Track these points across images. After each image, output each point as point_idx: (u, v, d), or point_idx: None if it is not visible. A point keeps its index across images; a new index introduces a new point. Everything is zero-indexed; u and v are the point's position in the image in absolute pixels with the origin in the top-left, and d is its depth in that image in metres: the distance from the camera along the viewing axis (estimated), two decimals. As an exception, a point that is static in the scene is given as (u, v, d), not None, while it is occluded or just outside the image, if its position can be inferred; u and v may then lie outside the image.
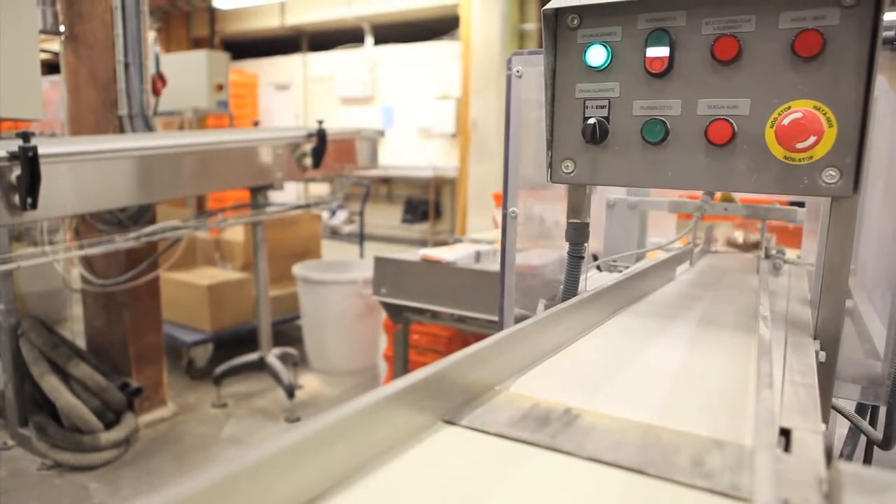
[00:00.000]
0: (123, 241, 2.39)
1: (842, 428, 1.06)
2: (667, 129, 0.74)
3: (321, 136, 2.93)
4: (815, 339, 0.77)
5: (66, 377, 2.52)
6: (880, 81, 0.95)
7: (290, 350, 3.31)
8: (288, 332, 4.10)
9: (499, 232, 1.20)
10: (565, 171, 0.82)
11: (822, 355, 0.74)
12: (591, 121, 0.77)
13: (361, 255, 4.63)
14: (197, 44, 8.99)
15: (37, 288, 3.64)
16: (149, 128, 2.76)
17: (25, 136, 1.80)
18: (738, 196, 1.32)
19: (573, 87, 0.79)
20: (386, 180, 8.58)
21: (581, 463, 0.44)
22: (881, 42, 0.63)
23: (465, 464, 0.44)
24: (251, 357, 3.11)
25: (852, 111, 0.65)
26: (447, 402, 0.50)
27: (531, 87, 1.11)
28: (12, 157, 1.80)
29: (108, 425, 2.57)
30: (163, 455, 2.65)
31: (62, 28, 2.59)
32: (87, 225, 2.62)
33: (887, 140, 1.15)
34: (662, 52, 0.72)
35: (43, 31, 2.48)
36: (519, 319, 1.18)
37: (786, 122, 0.67)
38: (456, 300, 2.11)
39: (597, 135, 0.77)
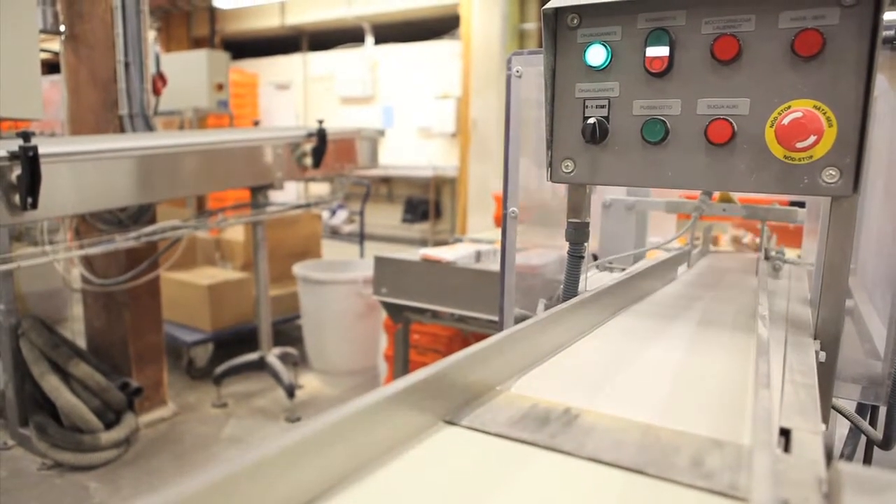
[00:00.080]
0: (124, 241, 2.39)
1: (842, 428, 1.06)
2: (667, 129, 0.74)
3: (321, 135, 2.93)
4: (815, 338, 0.76)
5: (66, 377, 2.53)
6: (880, 81, 0.95)
7: (291, 350, 3.31)
8: (288, 332, 4.10)
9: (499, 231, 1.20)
10: (565, 170, 0.82)
11: (823, 355, 0.74)
12: (591, 120, 0.77)
13: (362, 255, 4.63)
14: (197, 43, 8.99)
15: (37, 288, 3.64)
16: (149, 127, 2.76)
17: (26, 136, 1.80)
18: (737, 196, 1.32)
19: (573, 87, 0.79)
20: (386, 180, 8.58)
21: (581, 463, 0.44)
22: (881, 41, 0.63)
23: (465, 464, 0.44)
24: (251, 357, 3.11)
25: (852, 111, 0.65)
26: (448, 403, 0.50)
27: (531, 86, 1.11)
28: (12, 156, 1.80)
29: (109, 425, 2.57)
30: (163, 455, 2.65)
31: (62, 28, 2.59)
32: (88, 225, 2.62)
33: (887, 139, 1.15)
34: (662, 51, 0.72)
35: (43, 31, 2.48)
36: (519, 319, 1.18)
37: (786, 121, 0.67)
38: (456, 300, 2.11)
39: (596, 134, 0.77)
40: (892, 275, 0.92)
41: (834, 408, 0.89)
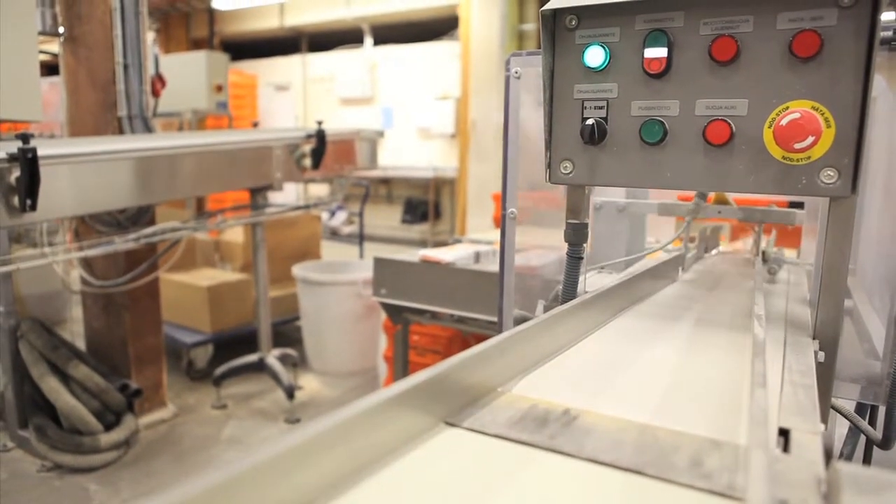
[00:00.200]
0: (123, 243, 2.39)
1: (841, 428, 1.07)
2: (665, 130, 0.74)
3: (320, 136, 2.93)
4: (814, 339, 0.77)
5: (65, 379, 2.52)
6: (878, 81, 0.95)
7: (290, 351, 3.31)
8: (288, 333, 4.10)
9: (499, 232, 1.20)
10: (564, 171, 0.82)
11: (822, 355, 0.75)
12: (590, 121, 0.77)
13: (361, 256, 4.63)
14: (196, 45, 9.00)
15: (36, 290, 3.65)
16: (148, 129, 2.76)
17: (25, 138, 1.80)
18: (732, 197, 1.32)
19: (571, 88, 0.79)
20: (385, 181, 8.58)
21: (580, 464, 0.44)
22: (879, 42, 0.63)
23: (465, 465, 0.44)
24: (251, 358, 3.11)
25: (850, 111, 0.65)
26: (449, 404, 0.51)
27: (530, 87, 1.11)
28: (12, 158, 1.80)
29: (108, 427, 2.57)
30: (163, 456, 2.65)
31: (61, 29, 2.59)
32: (87, 226, 2.62)
33: (886, 140, 1.15)
34: (660, 52, 0.72)
35: (42, 33, 2.48)
36: (518, 320, 1.18)
37: (784, 122, 0.67)
38: (455, 301, 2.12)
39: (595, 135, 0.77)
40: (891, 275, 0.93)
41: (833, 408, 0.89)
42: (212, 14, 8.78)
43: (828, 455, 0.45)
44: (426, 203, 8.24)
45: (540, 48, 0.81)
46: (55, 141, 2.63)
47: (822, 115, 0.66)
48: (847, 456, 1.04)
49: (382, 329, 3.33)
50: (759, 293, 0.84)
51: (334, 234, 7.53)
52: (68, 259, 2.51)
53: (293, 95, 9.07)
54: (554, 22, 0.79)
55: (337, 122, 8.11)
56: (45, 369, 2.49)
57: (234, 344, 3.55)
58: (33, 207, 1.84)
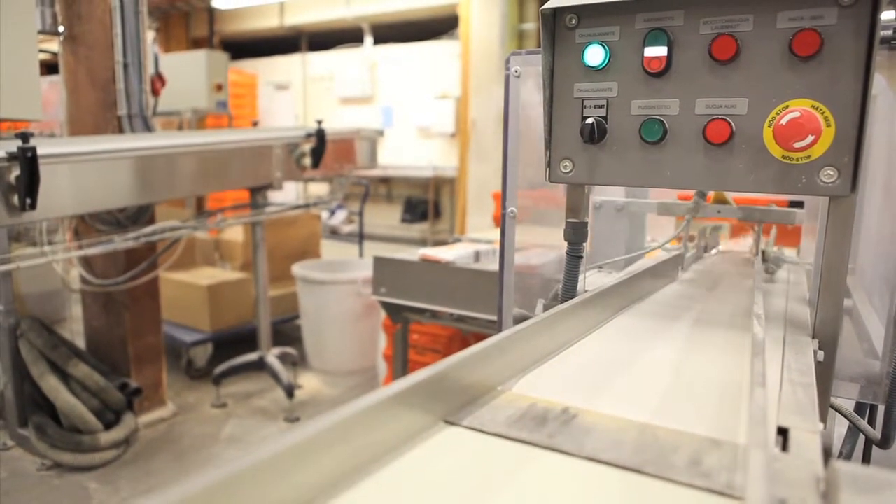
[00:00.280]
0: (122, 242, 2.39)
1: (841, 427, 1.07)
2: (665, 129, 0.74)
3: (320, 135, 2.93)
4: (813, 338, 0.77)
5: (65, 377, 2.53)
6: (878, 80, 0.95)
7: (290, 350, 3.31)
8: (287, 332, 4.11)
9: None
10: (564, 170, 0.82)
11: (821, 354, 0.75)
12: (590, 120, 0.77)
13: (361, 255, 4.63)
14: (196, 44, 8.99)
15: (36, 288, 3.65)
16: (148, 128, 2.76)
17: (24, 137, 1.80)
18: (732, 197, 1.32)
19: (571, 87, 0.79)
20: (385, 180, 8.58)
21: (579, 462, 0.44)
22: (879, 41, 0.63)
23: (464, 464, 0.44)
24: (251, 357, 3.11)
25: (850, 110, 0.65)
26: (449, 403, 0.51)
27: (530, 86, 1.11)
28: (11, 157, 1.80)
29: (108, 425, 2.57)
30: (162, 455, 2.65)
31: (61, 28, 2.59)
32: (87, 225, 2.62)
33: (886, 139, 1.15)
34: (660, 51, 0.72)
35: (42, 32, 2.48)
36: (518, 319, 1.18)
37: (784, 121, 0.67)
38: (455, 300, 2.12)
39: (595, 134, 0.77)
40: (891, 274, 0.93)
41: (832, 407, 0.89)
42: (212, 13, 8.77)
43: (827, 454, 0.45)
44: (426, 202, 8.24)
45: (540, 47, 0.81)
46: (55, 140, 2.63)
47: (822, 114, 0.66)
48: (846, 455, 1.04)
49: (382, 328, 3.33)
50: (759, 292, 0.84)
51: (334, 233, 7.53)
52: (68, 258, 2.51)
53: (293, 94, 9.07)
54: (554, 21, 0.79)
55: (337, 122, 8.12)
56: (44, 368, 2.49)
57: (233, 343, 3.55)
58: (33, 206, 1.84)
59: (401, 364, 2.54)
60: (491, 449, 0.46)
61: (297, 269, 3.58)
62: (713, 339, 0.77)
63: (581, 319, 0.77)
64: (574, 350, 0.72)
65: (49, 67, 3.06)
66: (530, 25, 6.77)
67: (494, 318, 1.30)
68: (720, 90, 0.71)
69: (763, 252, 1.33)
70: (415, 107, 7.99)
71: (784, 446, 0.46)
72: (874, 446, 0.95)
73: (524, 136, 1.14)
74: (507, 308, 1.20)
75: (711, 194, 1.23)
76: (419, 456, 0.44)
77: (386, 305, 2.33)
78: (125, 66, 2.65)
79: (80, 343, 2.90)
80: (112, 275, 2.74)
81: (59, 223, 2.67)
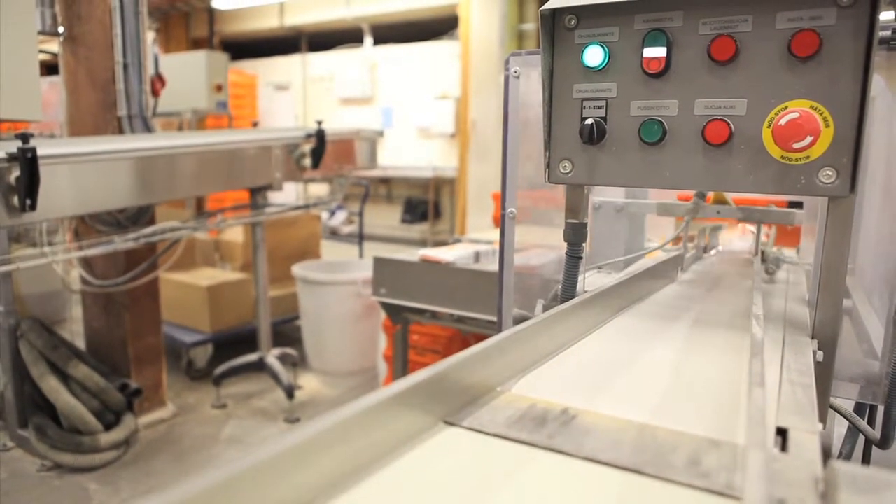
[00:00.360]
0: (123, 242, 2.39)
1: (841, 427, 1.07)
2: (664, 130, 0.74)
3: (320, 136, 2.93)
4: (812, 338, 0.77)
5: (65, 378, 2.53)
6: (877, 81, 0.96)
7: (290, 350, 3.31)
8: (287, 333, 4.11)
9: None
10: (563, 171, 0.82)
11: (820, 355, 0.75)
12: (589, 121, 0.77)
13: (361, 256, 4.63)
14: (196, 44, 8.99)
15: (36, 289, 3.65)
16: (148, 129, 2.76)
17: (24, 138, 1.80)
18: (731, 197, 1.32)
19: (571, 88, 0.79)
20: (385, 180, 8.59)
21: (579, 463, 0.44)
22: (877, 41, 0.63)
23: (464, 465, 0.44)
24: (251, 358, 3.12)
25: (849, 111, 0.65)
26: (448, 404, 0.51)
27: (530, 87, 1.11)
28: (11, 158, 1.80)
29: (108, 426, 2.57)
30: (162, 456, 2.65)
31: (61, 29, 2.59)
32: (87, 226, 2.62)
33: (885, 139, 1.15)
34: (659, 52, 0.73)
35: (42, 32, 2.48)
36: (518, 319, 1.18)
37: (783, 122, 0.67)
38: (455, 300, 2.12)
39: (594, 135, 0.77)
40: (890, 275, 0.93)
41: (832, 407, 0.89)
42: (212, 13, 8.77)
43: (826, 454, 0.45)
44: (426, 203, 8.24)
45: (539, 48, 0.81)
46: (55, 140, 2.63)
47: (821, 114, 0.66)
48: (846, 455, 1.04)
49: (382, 328, 3.33)
50: (758, 293, 0.84)
51: (334, 234, 7.53)
52: (68, 259, 2.51)
53: (293, 95, 9.07)
54: (553, 22, 0.79)
55: (337, 122, 8.12)
56: (44, 369, 2.49)
57: (233, 343, 3.55)
58: (33, 207, 1.84)
59: (401, 365, 2.54)
60: (490, 449, 0.46)
61: (297, 269, 3.58)
62: (712, 340, 0.78)
63: (580, 320, 0.77)
64: (573, 351, 0.72)
65: (49, 68, 3.06)
66: (530, 26, 6.77)
67: (494, 318, 1.31)
68: (719, 91, 0.71)
69: (762, 252, 1.33)
70: (415, 107, 7.99)
71: (783, 447, 0.46)
72: (874, 446, 0.95)
73: (524, 136, 1.14)
74: (506, 308, 1.20)
75: (711, 195, 1.24)
76: (419, 456, 0.44)
77: (386, 306, 2.33)
78: (125, 66, 2.65)
79: (81, 344, 2.90)
80: (112, 275, 2.74)
81: (59, 224, 2.68)
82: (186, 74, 4.56)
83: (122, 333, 2.85)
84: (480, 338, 0.55)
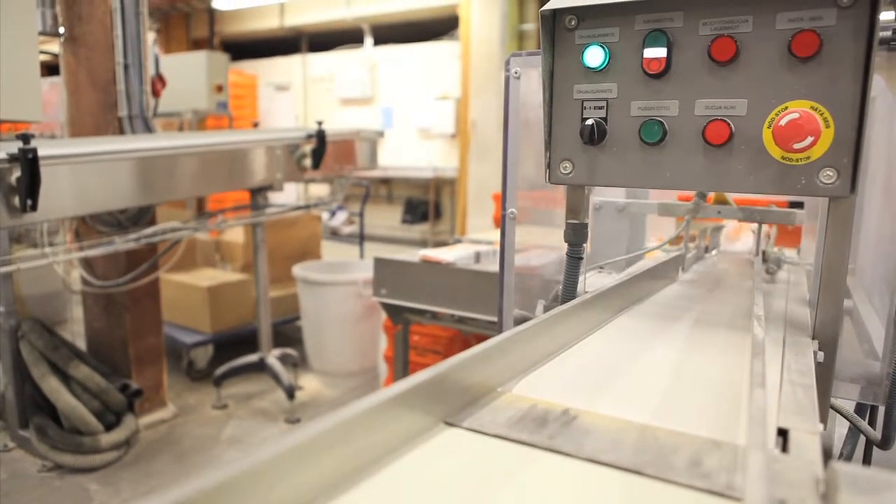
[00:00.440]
0: (123, 243, 2.39)
1: (842, 428, 1.06)
2: (664, 130, 0.74)
3: (321, 136, 2.93)
4: (813, 339, 0.77)
5: (66, 379, 2.53)
6: (877, 81, 0.96)
7: (291, 351, 3.31)
8: (288, 333, 4.11)
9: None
10: (563, 171, 0.82)
11: (821, 355, 0.75)
12: (589, 121, 0.77)
13: (361, 256, 4.63)
14: (196, 45, 9.00)
15: (37, 290, 3.65)
16: (148, 129, 2.76)
17: (25, 138, 1.80)
18: (732, 197, 1.32)
19: (571, 88, 0.79)
20: (386, 181, 8.59)
21: (579, 464, 0.44)
22: (877, 42, 0.63)
23: (465, 465, 0.44)
24: (251, 358, 3.12)
25: (849, 111, 0.65)
26: (449, 404, 0.51)
27: (530, 87, 1.11)
28: (12, 158, 1.80)
29: (109, 427, 2.57)
30: (163, 456, 2.65)
31: (61, 30, 2.59)
32: (87, 226, 2.62)
33: (885, 140, 1.15)
34: (660, 52, 0.73)
35: (42, 33, 2.48)
36: (518, 320, 1.18)
37: (783, 122, 0.67)
38: (456, 301, 2.12)
39: (595, 135, 0.77)
40: (891, 275, 0.93)
41: (833, 408, 0.89)
42: (212, 14, 8.78)
43: (826, 455, 0.45)
44: (426, 203, 8.24)
45: (540, 48, 0.81)
46: (55, 141, 2.64)
47: (821, 115, 0.66)
48: (847, 456, 1.04)
49: (383, 329, 3.33)
50: (759, 293, 0.84)
51: (334, 235, 7.53)
52: (69, 259, 2.51)
53: (293, 95, 9.07)
54: (553, 22, 0.79)
55: (337, 123, 8.12)
56: (45, 369, 2.49)
57: (234, 344, 3.55)
58: (34, 208, 1.84)
59: (402, 365, 2.54)
60: (491, 450, 0.46)
61: (298, 270, 3.58)
62: (713, 340, 0.77)
63: (581, 321, 0.77)
64: (574, 351, 0.72)
65: (49, 69, 3.07)
66: (530, 26, 6.77)
67: (495, 319, 1.31)
68: (719, 91, 0.71)
69: (763, 252, 1.33)
70: (415, 108, 8.00)
71: (784, 447, 0.46)
72: (874, 447, 0.95)
73: (524, 136, 1.15)
74: (507, 309, 1.20)
75: (712, 195, 1.24)
76: (419, 457, 0.44)
77: (386, 306, 2.33)
78: (126, 67, 2.65)
79: (81, 344, 2.90)
80: (113, 276, 2.74)
81: (59, 224, 2.68)
82: (187, 75, 4.56)
83: (123, 334, 2.85)
84: (481, 338, 0.55)
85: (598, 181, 0.81)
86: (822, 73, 0.66)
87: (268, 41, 9.14)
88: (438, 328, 2.61)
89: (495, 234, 1.96)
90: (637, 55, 0.74)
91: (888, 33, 0.82)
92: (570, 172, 0.82)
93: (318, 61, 8.88)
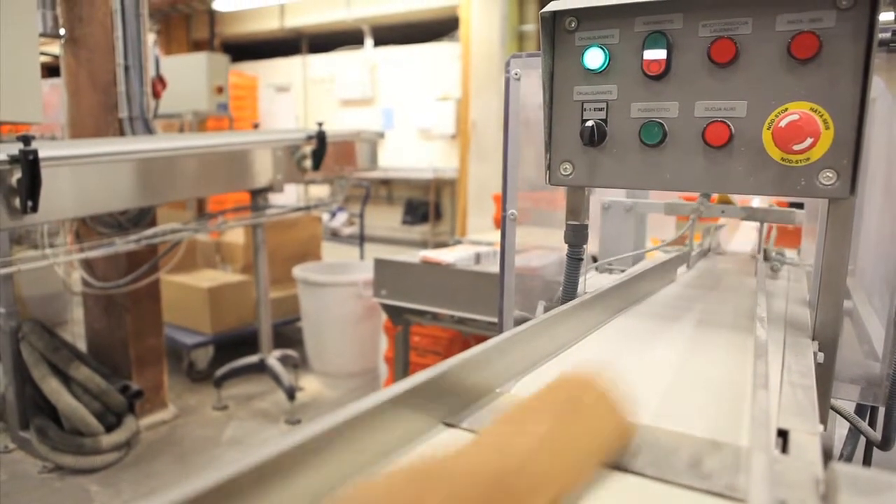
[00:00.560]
0: (124, 244, 2.39)
1: (842, 428, 1.07)
2: (664, 132, 0.74)
3: (321, 138, 2.93)
4: (813, 339, 0.77)
5: (66, 380, 2.53)
6: (877, 83, 0.96)
7: (291, 352, 3.31)
8: (288, 334, 4.11)
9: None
10: (564, 173, 0.82)
11: (821, 356, 0.75)
12: (589, 123, 0.77)
13: (361, 257, 4.63)
14: (197, 46, 9.01)
15: (37, 291, 3.65)
16: (149, 130, 2.76)
17: (26, 140, 1.81)
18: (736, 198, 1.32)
19: (571, 90, 0.80)
20: (386, 182, 8.59)
21: (579, 464, 0.44)
22: (877, 43, 0.63)
23: (463, 466, 0.44)
24: (252, 359, 3.12)
25: (849, 113, 0.65)
26: (448, 405, 0.51)
27: (531, 88, 1.11)
28: (13, 160, 1.80)
29: (109, 428, 2.57)
30: (164, 458, 2.65)
31: (62, 31, 2.59)
32: (88, 228, 2.63)
33: (885, 141, 1.15)
34: (660, 54, 0.73)
35: (43, 35, 2.48)
36: (518, 321, 1.18)
37: (783, 123, 0.67)
38: (456, 302, 2.12)
39: (595, 137, 0.77)
40: (891, 276, 0.93)
41: (833, 409, 0.89)
42: (212, 15, 8.78)
43: (827, 456, 0.45)
44: (427, 204, 8.24)
45: (540, 49, 0.81)
46: (56, 143, 2.64)
47: (821, 116, 0.66)
48: (847, 457, 1.04)
49: (383, 330, 3.34)
50: (762, 294, 0.84)
51: (335, 236, 7.53)
52: (69, 260, 2.51)
53: (293, 97, 9.08)
54: (553, 24, 0.79)
55: (337, 124, 8.12)
56: (46, 371, 2.49)
57: (234, 345, 3.55)
58: (34, 209, 1.84)
59: (402, 366, 2.54)
60: (491, 451, 0.46)
61: (298, 271, 3.58)
62: (714, 340, 0.78)
63: (580, 321, 0.77)
64: (573, 352, 0.72)
65: (50, 70, 3.07)
66: (530, 27, 6.78)
67: (495, 320, 1.31)
68: (719, 93, 0.71)
69: (765, 251, 1.33)
70: (415, 108, 8.00)
71: (784, 448, 0.46)
72: (875, 448, 0.95)
73: (524, 137, 1.15)
74: (507, 310, 1.20)
75: (715, 195, 1.24)
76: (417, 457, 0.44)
77: (387, 307, 2.33)
78: (126, 68, 2.65)
79: (82, 345, 2.91)
80: (113, 277, 2.74)
81: (60, 226, 2.68)
82: (187, 76, 4.57)
83: (124, 335, 2.85)
84: (481, 339, 0.55)
85: (599, 182, 0.81)
86: (822, 75, 0.66)
87: (268, 42, 9.14)
88: (439, 329, 2.61)
89: (495, 235, 1.96)
90: (637, 57, 0.74)
91: (888, 35, 0.82)
92: (570, 174, 0.82)
93: (319, 62, 8.88)
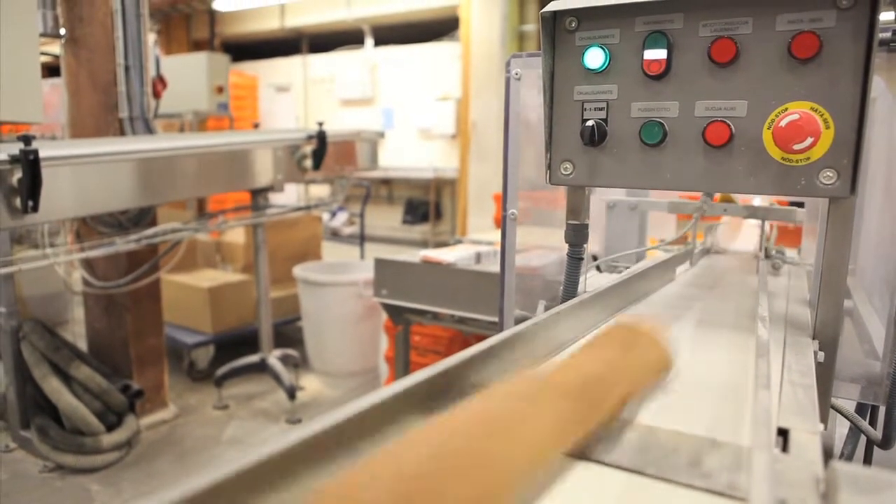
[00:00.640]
0: (124, 244, 2.39)
1: (842, 428, 1.07)
2: (665, 131, 0.74)
3: (321, 137, 2.93)
4: (813, 339, 0.77)
5: (67, 379, 2.53)
6: (877, 82, 0.96)
7: (291, 351, 3.31)
8: (289, 334, 4.11)
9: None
10: (564, 172, 0.82)
11: (821, 355, 0.75)
12: (590, 123, 0.77)
13: (362, 257, 4.63)
14: (197, 46, 9.00)
15: (38, 291, 3.65)
16: (149, 130, 2.76)
17: (26, 140, 1.81)
18: (737, 196, 1.32)
19: (571, 90, 0.80)
20: (386, 181, 8.59)
21: (580, 464, 0.44)
22: (877, 43, 0.63)
23: (464, 465, 0.44)
24: (252, 359, 3.12)
25: (849, 112, 0.65)
26: (448, 404, 0.51)
27: (531, 88, 1.11)
28: (13, 160, 1.81)
29: (110, 427, 2.57)
30: (164, 457, 2.65)
31: (62, 31, 2.59)
32: (88, 227, 2.63)
33: (885, 141, 1.15)
34: (660, 54, 0.73)
35: (43, 35, 2.49)
36: (519, 320, 1.18)
37: (783, 123, 0.67)
38: (456, 301, 2.12)
39: (595, 137, 0.77)
40: (891, 275, 0.93)
41: (833, 408, 0.89)
42: (212, 15, 8.78)
43: (827, 455, 0.45)
44: (427, 204, 8.24)
45: (540, 49, 0.81)
46: (56, 142, 2.64)
47: (821, 116, 0.66)
48: (847, 456, 1.04)
49: (383, 329, 3.34)
50: (763, 294, 0.84)
51: (335, 235, 7.53)
52: (70, 260, 2.52)
53: (294, 96, 9.07)
54: (554, 24, 0.79)
55: (337, 123, 8.13)
56: (46, 370, 2.49)
57: (235, 344, 3.56)
58: (35, 209, 1.84)
59: (402, 366, 2.54)
60: (492, 450, 0.46)
61: (299, 270, 3.58)
62: (715, 339, 0.78)
63: (581, 320, 0.77)
64: (575, 350, 0.72)
65: (50, 70, 3.07)
66: (531, 27, 6.78)
67: (496, 319, 1.31)
68: (720, 92, 0.71)
69: (765, 250, 1.33)
70: (415, 108, 8.00)
71: (784, 447, 0.46)
72: (875, 447, 0.95)
73: (525, 137, 1.15)
74: (508, 309, 1.20)
75: (718, 194, 1.24)
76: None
77: (387, 307, 2.33)
78: (126, 68, 2.65)
79: (82, 345, 2.91)
80: (114, 277, 2.75)
81: (60, 225, 2.68)
82: (187, 76, 4.56)
83: (124, 335, 2.85)
84: (482, 339, 0.55)
85: (599, 182, 0.81)
86: (822, 75, 0.66)
87: (268, 42, 9.14)
88: (439, 329, 2.61)
89: (496, 235, 1.96)
90: (637, 57, 0.74)
91: (888, 34, 0.82)
92: (570, 173, 0.82)
93: (319, 62, 8.88)
